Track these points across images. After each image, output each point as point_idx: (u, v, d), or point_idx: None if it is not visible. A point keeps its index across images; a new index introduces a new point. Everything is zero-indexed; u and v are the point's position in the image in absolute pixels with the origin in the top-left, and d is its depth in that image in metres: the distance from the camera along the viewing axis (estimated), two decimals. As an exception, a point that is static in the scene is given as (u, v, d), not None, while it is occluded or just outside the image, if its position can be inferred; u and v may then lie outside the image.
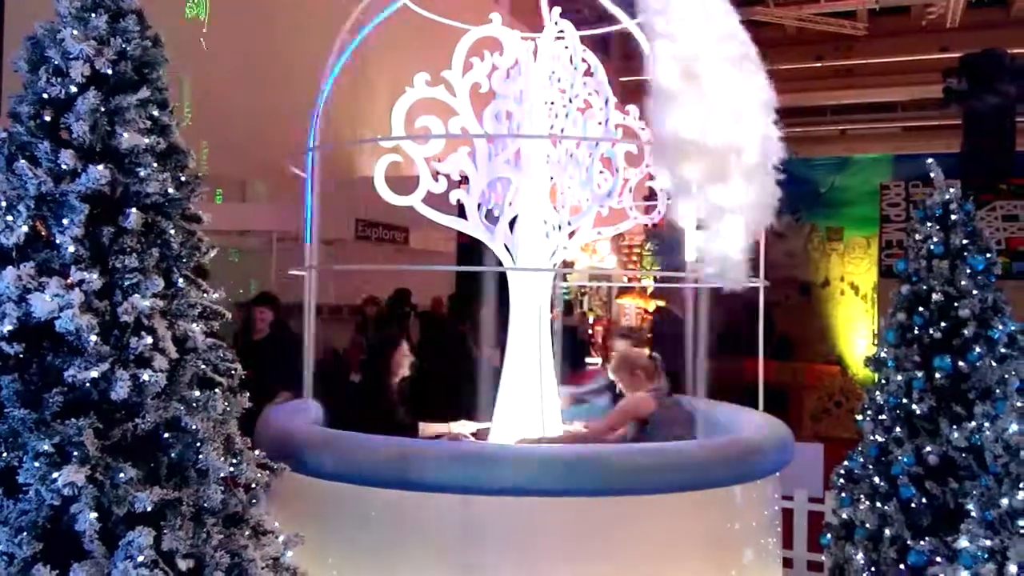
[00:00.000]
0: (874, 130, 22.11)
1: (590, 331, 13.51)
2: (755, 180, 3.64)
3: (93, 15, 2.34)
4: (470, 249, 5.67)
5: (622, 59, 14.22)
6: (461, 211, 4.59)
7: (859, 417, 3.80)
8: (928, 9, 16.21)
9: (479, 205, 4.56)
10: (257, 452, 2.63)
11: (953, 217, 3.67)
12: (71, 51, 2.28)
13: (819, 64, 18.14)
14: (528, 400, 4.38)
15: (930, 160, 3.82)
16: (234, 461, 2.45)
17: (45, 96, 2.31)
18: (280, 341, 5.82)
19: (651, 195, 5.20)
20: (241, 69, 10.50)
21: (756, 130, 3.65)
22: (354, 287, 10.16)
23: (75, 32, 2.30)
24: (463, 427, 4.68)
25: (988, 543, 2.58)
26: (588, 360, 11.18)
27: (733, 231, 3.62)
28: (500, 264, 4.59)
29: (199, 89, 9.66)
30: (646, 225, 5.52)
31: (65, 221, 2.24)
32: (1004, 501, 2.59)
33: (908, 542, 3.40)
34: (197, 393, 2.39)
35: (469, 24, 4.56)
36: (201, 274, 2.54)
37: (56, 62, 2.31)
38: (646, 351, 5.04)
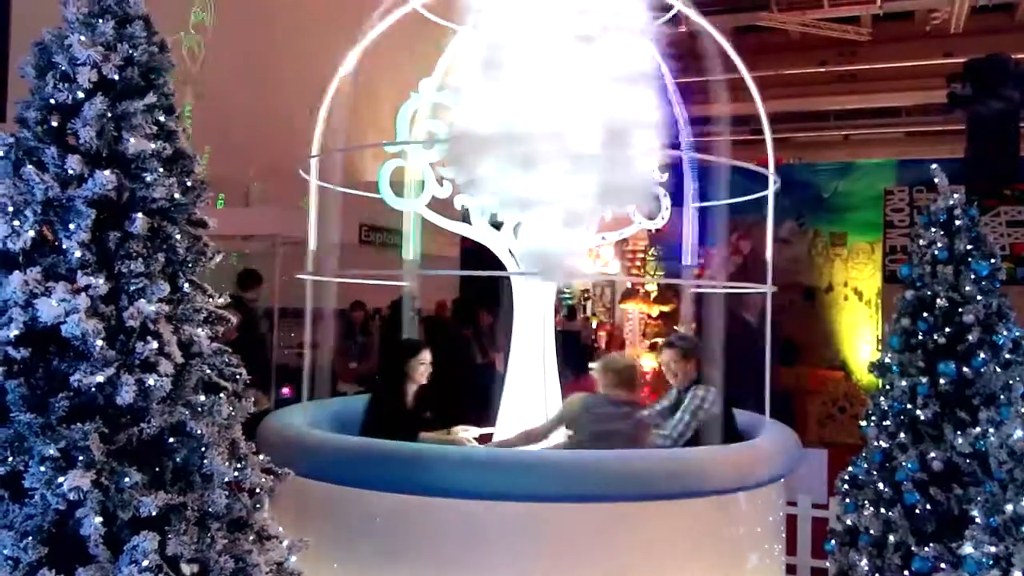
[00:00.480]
0: (878, 135, 22.07)
1: (593, 336, 13.51)
2: (595, 164, 3.35)
3: (100, 21, 2.35)
4: (474, 254, 5.67)
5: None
6: (466, 216, 4.60)
7: (863, 423, 3.80)
8: (932, 14, 16.19)
9: (483, 210, 4.56)
10: (261, 456, 2.64)
11: (957, 223, 3.67)
12: (78, 57, 2.29)
13: (823, 69, 18.10)
14: (532, 404, 4.38)
15: (934, 166, 3.82)
16: (239, 466, 2.45)
17: (52, 101, 2.31)
18: (246, 343, 5.85)
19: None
20: (243, 72, 10.54)
21: (604, 109, 3.34)
22: (358, 291, 10.15)
23: (82, 38, 2.31)
24: (465, 432, 4.67)
25: (993, 549, 2.57)
26: (591, 365, 11.19)
27: (546, 223, 3.34)
28: (504, 269, 4.60)
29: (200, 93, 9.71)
30: (650, 230, 5.48)
31: (72, 226, 2.25)
32: (1009, 507, 2.58)
33: (912, 548, 3.40)
34: (202, 398, 2.40)
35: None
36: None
37: (63, 68, 2.31)
38: (634, 357, 4.90)
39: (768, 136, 4.22)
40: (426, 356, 4.45)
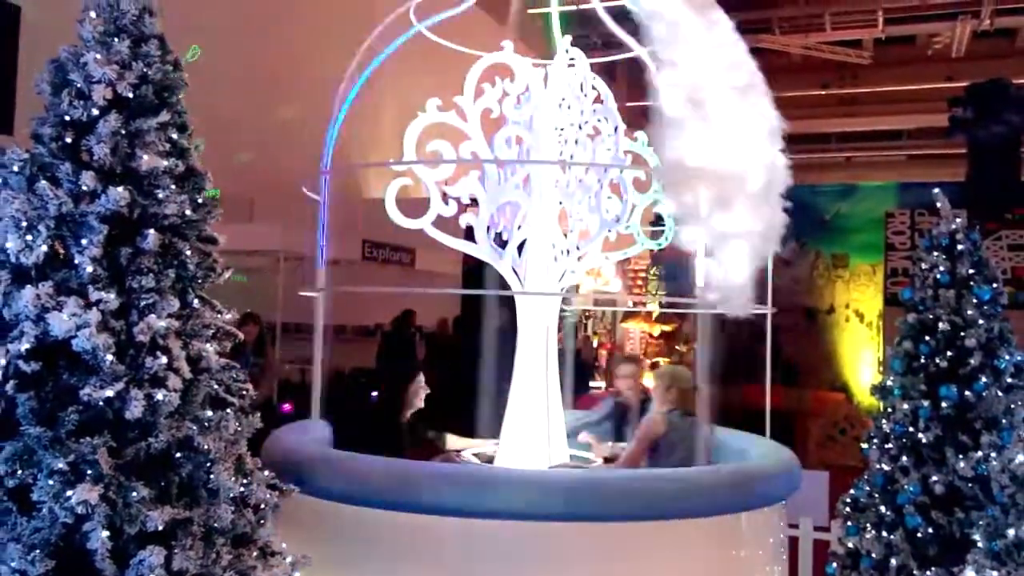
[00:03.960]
0: (879, 158, 22.18)
1: (594, 355, 13.50)
2: (760, 208, 3.65)
3: (116, 40, 2.39)
4: (476, 272, 5.69)
5: (628, 86, 14.32)
6: (469, 234, 4.63)
7: (865, 445, 3.80)
8: (934, 38, 16.33)
9: (488, 228, 4.59)
10: (266, 472, 2.65)
11: (959, 247, 3.69)
12: (94, 75, 2.32)
13: (824, 92, 18.24)
14: (535, 422, 4.38)
15: (936, 189, 3.84)
16: (244, 481, 2.47)
17: (67, 118, 2.35)
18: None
19: (658, 220, 5.23)
20: (247, 88, 10.60)
21: (762, 158, 3.68)
22: (361, 307, 10.18)
23: (98, 56, 2.34)
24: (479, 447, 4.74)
25: (995, 574, 2.58)
26: (592, 384, 11.20)
27: (737, 258, 3.62)
28: (507, 287, 4.63)
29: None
30: (652, 250, 5.53)
31: (84, 241, 2.27)
32: (1010, 532, 2.59)
33: (914, 572, 3.40)
34: (209, 413, 2.41)
35: (478, 50, 4.62)
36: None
37: (79, 85, 2.35)
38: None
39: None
40: (422, 380, 4.56)
